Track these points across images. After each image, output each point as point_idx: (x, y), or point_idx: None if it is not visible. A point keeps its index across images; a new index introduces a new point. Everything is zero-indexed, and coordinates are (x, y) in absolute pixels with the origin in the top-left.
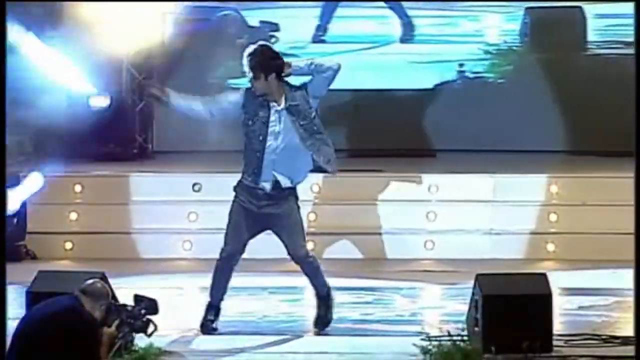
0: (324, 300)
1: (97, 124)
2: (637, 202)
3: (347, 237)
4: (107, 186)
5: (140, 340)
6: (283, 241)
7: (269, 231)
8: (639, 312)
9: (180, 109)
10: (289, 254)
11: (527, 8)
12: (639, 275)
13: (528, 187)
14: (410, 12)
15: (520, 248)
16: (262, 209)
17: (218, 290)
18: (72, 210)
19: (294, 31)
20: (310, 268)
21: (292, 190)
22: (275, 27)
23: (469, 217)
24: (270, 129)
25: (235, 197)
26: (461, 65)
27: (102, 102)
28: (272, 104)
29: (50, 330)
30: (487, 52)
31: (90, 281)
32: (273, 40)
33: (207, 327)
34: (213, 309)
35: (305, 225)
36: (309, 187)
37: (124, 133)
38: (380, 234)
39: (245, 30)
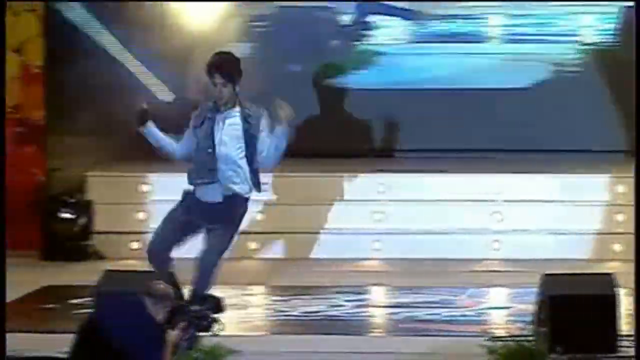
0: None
1: (165, 123)
2: (637, 202)
3: (413, 237)
4: (174, 186)
5: (208, 340)
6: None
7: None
8: (639, 312)
9: (153, 135)
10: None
11: (624, 7)
12: (639, 274)
13: (594, 187)
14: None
15: (586, 248)
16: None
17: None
18: (139, 210)
19: (388, 30)
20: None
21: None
22: (369, 25)
23: (535, 217)
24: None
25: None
26: (553, 64)
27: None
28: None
29: (113, 334)
30: (579, 51)
31: (154, 283)
32: (366, 39)
33: None
34: None
35: (371, 225)
36: (375, 187)
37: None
38: (447, 233)
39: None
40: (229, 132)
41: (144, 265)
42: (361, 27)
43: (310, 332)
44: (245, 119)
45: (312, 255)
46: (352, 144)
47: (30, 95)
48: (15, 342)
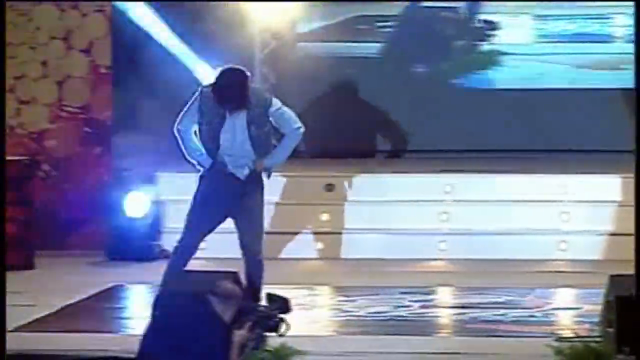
0: None
1: None
2: (637, 202)
3: (479, 238)
4: None
5: (274, 340)
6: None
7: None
8: (639, 312)
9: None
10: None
11: None
12: (639, 274)
13: None
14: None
15: None
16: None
17: None
18: None
19: (513, 31)
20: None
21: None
22: (494, 25)
23: (602, 218)
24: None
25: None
26: None
27: None
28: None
29: (180, 335)
30: None
31: (221, 282)
32: (491, 39)
33: None
34: None
35: (437, 225)
36: (442, 188)
37: None
38: (513, 234)
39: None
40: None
41: (210, 265)
42: (485, 27)
43: (376, 332)
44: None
45: (377, 256)
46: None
47: (97, 96)
48: (83, 342)
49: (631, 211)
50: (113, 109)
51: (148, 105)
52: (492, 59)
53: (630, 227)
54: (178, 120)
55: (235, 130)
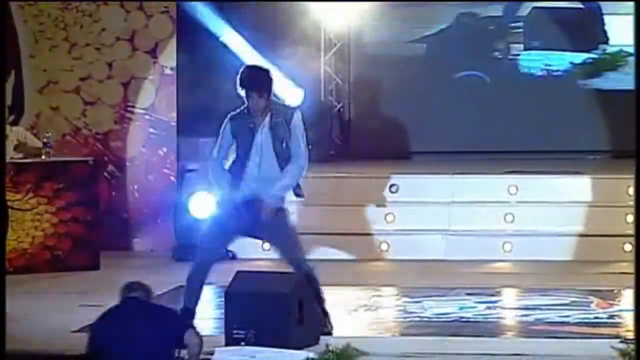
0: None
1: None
2: (637, 202)
3: (544, 239)
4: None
5: (338, 341)
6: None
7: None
8: (639, 312)
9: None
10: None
11: None
12: (639, 274)
13: None
14: None
15: None
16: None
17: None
18: None
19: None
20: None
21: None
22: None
23: None
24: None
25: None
26: None
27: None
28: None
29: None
30: None
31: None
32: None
33: None
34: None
35: (501, 226)
36: (507, 189)
37: (321, 135)
38: (576, 235)
39: None
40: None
41: (275, 267)
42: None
43: (440, 334)
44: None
45: (442, 257)
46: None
47: (163, 96)
48: None
49: None
50: (178, 109)
51: (213, 105)
52: (618, 60)
53: None
54: (214, 149)
55: (262, 149)
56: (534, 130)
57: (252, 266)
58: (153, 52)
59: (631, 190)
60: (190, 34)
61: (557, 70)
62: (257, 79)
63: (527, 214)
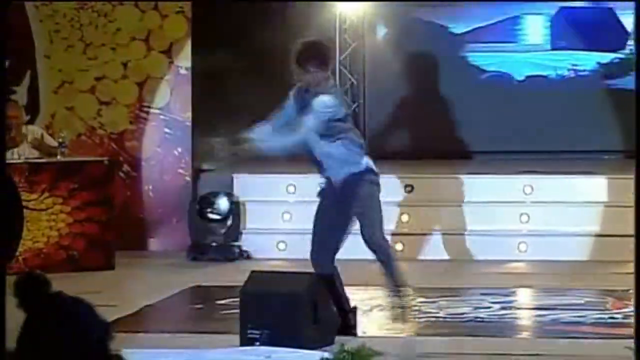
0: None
1: None
2: (637, 202)
3: (560, 239)
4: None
5: (353, 341)
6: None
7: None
8: (639, 312)
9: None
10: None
11: None
12: (639, 274)
13: None
14: None
15: None
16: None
17: None
18: (286, 211)
19: None
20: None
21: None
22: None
23: None
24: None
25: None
26: None
27: None
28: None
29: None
30: None
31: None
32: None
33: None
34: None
35: (517, 226)
36: (521, 189)
37: None
38: (593, 235)
39: None
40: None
41: (289, 266)
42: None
43: (455, 334)
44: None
45: (458, 257)
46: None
47: (178, 96)
48: (163, 342)
49: None
50: (193, 109)
51: (227, 106)
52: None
53: None
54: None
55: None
56: (551, 130)
57: (267, 266)
58: (168, 52)
59: None
60: (205, 34)
61: (584, 70)
62: (313, 54)
63: (542, 214)
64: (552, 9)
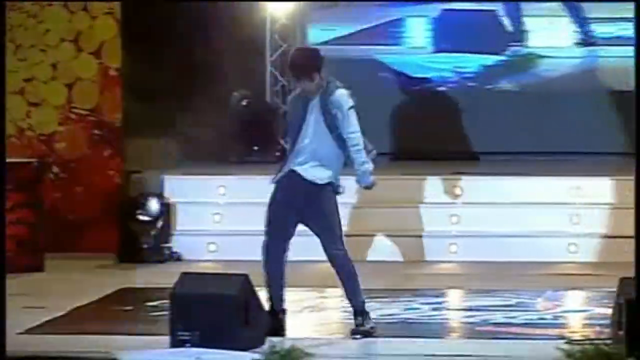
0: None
1: (240, 127)
2: (637, 202)
3: (489, 240)
4: (250, 188)
5: (283, 342)
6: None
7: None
8: (639, 312)
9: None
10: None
11: None
12: (639, 274)
13: None
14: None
15: None
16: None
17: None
18: (216, 212)
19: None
20: (343, 272)
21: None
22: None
23: (612, 220)
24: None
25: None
26: None
27: (240, 102)
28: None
29: None
30: None
31: None
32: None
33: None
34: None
35: (447, 227)
36: (452, 190)
37: (267, 136)
38: (523, 236)
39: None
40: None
41: (220, 268)
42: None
43: (386, 335)
44: (326, 106)
45: (388, 258)
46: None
47: (107, 98)
48: (93, 344)
49: None
50: (123, 111)
51: (158, 107)
52: (529, 62)
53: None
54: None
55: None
56: (441, 133)
57: (198, 267)
58: (97, 54)
59: (576, 191)
60: (135, 35)
61: (467, 73)
62: (301, 62)
63: (472, 215)
64: (434, 11)
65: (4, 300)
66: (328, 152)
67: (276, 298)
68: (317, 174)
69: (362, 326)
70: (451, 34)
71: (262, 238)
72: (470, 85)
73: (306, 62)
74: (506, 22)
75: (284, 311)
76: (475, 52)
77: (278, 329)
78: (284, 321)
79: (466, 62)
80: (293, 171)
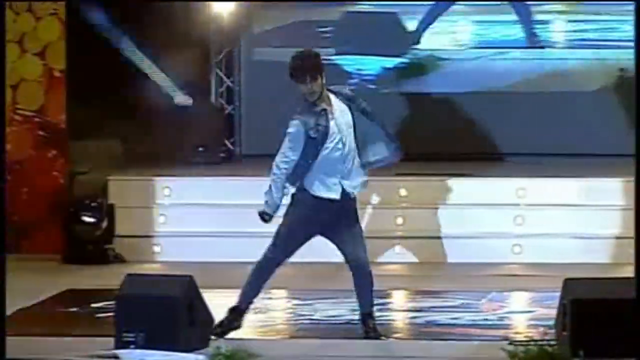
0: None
1: (185, 127)
2: (637, 203)
3: (434, 241)
4: (195, 189)
5: (228, 343)
6: (342, 248)
7: None
8: (639, 313)
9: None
10: (346, 261)
11: None
12: (639, 274)
13: (615, 191)
14: (570, 17)
15: (608, 252)
16: (325, 217)
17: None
18: (161, 214)
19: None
20: (364, 279)
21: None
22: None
23: (557, 221)
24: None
25: (296, 204)
26: (621, 70)
27: (185, 102)
28: (328, 109)
29: None
30: None
31: None
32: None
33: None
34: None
35: (392, 228)
36: (396, 191)
37: (212, 137)
38: (467, 237)
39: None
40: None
41: (165, 269)
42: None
43: (331, 336)
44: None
45: (332, 260)
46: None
47: (52, 99)
48: (37, 345)
49: (586, 213)
50: (67, 112)
51: (103, 109)
52: (429, 65)
53: (583, 230)
54: (281, 160)
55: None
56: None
57: (142, 269)
58: (42, 55)
59: (520, 192)
60: (80, 36)
61: (368, 75)
62: (307, 62)
63: (417, 216)
64: (337, 13)
65: (4, 300)
66: None
67: (248, 299)
68: None
69: (374, 329)
70: (353, 36)
71: (207, 239)
72: (371, 87)
73: (318, 63)
74: (408, 24)
75: (247, 310)
76: (376, 55)
77: (236, 325)
78: (243, 318)
79: (367, 64)
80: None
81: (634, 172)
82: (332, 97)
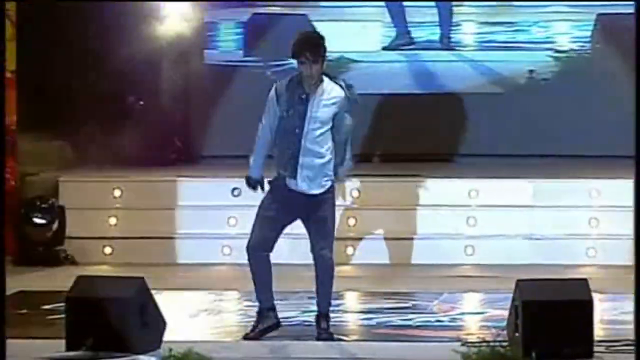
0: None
1: (137, 128)
2: (636, 203)
3: (387, 242)
4: (147, 191)
5: (179, 345)
6: (310, 239)
7: None
8: (639, 313)
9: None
10: (311, 251)
11: (598, 14)
12: (639, 275)
13: (568, 192)
14: (481, 18)
15: (560, 253)
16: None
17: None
18: (112, 215)
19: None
20: (326, 274)
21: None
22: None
23: (509, 222)
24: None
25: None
26: (531, 71)
27: (135, 104)
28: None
29: None
30: (555, 58)
31: None
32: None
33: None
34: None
35: (344, 229)
36: (349, 192)
37: (162, 137)
38: (420, 239)
39: None
40: (324, 111)
41: (116, 271)
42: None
43: (282, 338)
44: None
45: (284, 261)
46: None
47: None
48: None
49: (538, 215)
50: (18, 113)
51: (53, 110)
52: (341, 66)
53: (536, 231)
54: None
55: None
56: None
57: (94, 271)
58: None
59: (472, 193)
60: (31, 36)
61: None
62: (312, 42)
63: (367, 217)
64: (245, 15)
65: (4, 301)
66: None
67: (264, 297)
68: None
69: (327, 330)
70: (261, 37)
71: (159, 241)
72: None
73: (323, 45)
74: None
75: (274, 308)
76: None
77: (272, 326)
78: (276, 317)
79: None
80: None
81: (593, 173)
82: (326, 88)
